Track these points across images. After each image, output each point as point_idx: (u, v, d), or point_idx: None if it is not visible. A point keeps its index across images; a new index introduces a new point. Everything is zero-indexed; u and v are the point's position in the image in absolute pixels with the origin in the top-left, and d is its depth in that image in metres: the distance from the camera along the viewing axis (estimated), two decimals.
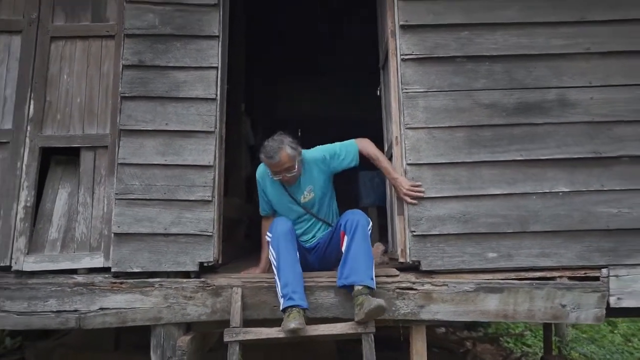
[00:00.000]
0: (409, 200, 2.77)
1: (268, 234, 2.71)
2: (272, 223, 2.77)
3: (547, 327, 5.28)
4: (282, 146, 2.66)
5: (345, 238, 2.61)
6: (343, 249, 2.61)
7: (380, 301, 2.39)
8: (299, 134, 8.45)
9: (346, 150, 2.85)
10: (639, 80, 2.88)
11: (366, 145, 2.86)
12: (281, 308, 2.49)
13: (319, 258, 2.89)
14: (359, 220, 2.61)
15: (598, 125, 2.86)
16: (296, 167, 2.71)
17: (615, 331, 6.52)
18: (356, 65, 6.48)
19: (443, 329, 6.45)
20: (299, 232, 2.87)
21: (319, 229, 2.92)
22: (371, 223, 2.70)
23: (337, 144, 2.89)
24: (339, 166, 2.85)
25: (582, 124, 2.86)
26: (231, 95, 3.44)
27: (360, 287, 2.46)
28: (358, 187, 5.28)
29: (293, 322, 2.36)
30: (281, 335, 2.42)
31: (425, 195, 2.78)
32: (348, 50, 6.84)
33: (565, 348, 5.29)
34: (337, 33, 6.74)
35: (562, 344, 5.27)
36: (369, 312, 2.35)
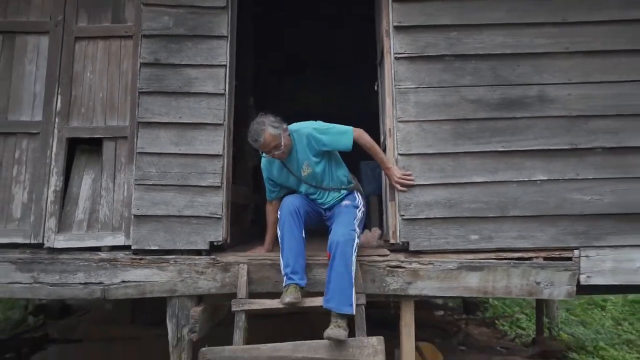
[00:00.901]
0: (399, 187, 3.05)
1: (278, 212, 2.93)
2: (282, 201, 2.97)
3: (539, 310, 5.57)
4: (264, 127, 2.80)
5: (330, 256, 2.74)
6: (329, 261, 2.74)
7: (339, 335, 2.57)
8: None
9: (340, 133, 2.97)
10: (615, 78, 3.12)
11: (362, 134, 3.02)
12: (283, 285, 2.79)
13: (334, 214, 3.04)
14: (338, 242, 2.70)
15: (575, 119, 3.11)
16: (282, 143, 2.83)
17: (607, 315, 6.78)
18: (356, 62, 6.72)
19: (442, 312, 6.77)
20: (314, 197, 3.04)
21: (330, 195, 3.04)
22: (357, 239, 2.81)
23: (336, 125, 3.01)
24: (329, 146, 2.95)
25: (560, 118, 3.11)
26: (240, 91, 3.72)
27: (335, 313, 2.66)
28: (360, 177, 5.56)
29: (289, 296, 2.68)
30: (280, 306, 2.72)
31: (414, 183, 3.06)
32: (348, 47, 7.08)
33: (555, 329, 5.56)
34: (337, 31, 6.96)
35: (552, 325, 5.54)
36: (328, 336, 2.57)
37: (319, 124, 3.01)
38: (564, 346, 5.06)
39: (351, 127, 3.00)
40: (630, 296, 7.46)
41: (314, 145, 2.93)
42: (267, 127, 2.80)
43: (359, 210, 3.02)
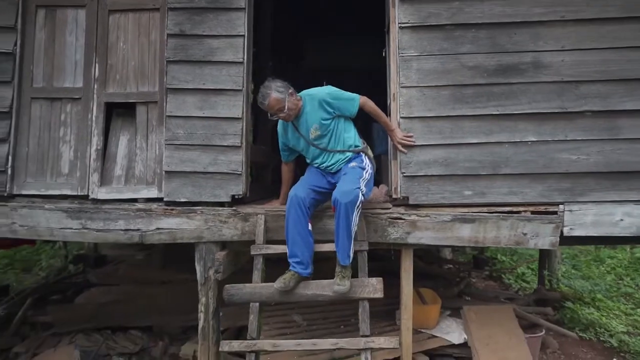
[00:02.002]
0: (401, 148, 3.37)
1: (286, 204, 3.11)
2: (289, 194, 3.12)
3: (541, 264, 5.91)
4: (269, 92, 3.05)
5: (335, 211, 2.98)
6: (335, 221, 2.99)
7: (343, 288, 2.95)
8: (325, 84, 9.00)
9: (348, 99, 3.20)
10: (606, 45, 3.32)
11: (367, 102, 3.29)
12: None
13: (340, 177, 3.22)
14: (340, 203, 2.91)
15: (566, 84, 3.34)
16: (286, 106, 3.06)
17: (611, 271, 7.08)
18: (372, 24, 6.87)
19: (450, 266, 7.16)
20: (320, 161, 3.28)
21: (334, 157, 3.25)
22: (360, 196, 2.98)
23: (345, 92, 3.22)
24: (339, 110, 3.19)
25: (552, 83, 3.34)
26: (259, 57, 4.02)
27: (339, 264, 3.02)
28: (372, 137, 5.85)
29: (280, 283, 2.99)
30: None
31: (415, 144, 3.37)
32: (364, 10, 7.20)
33: (554, 282, 5.90)
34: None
35: (552, 278, 5.88)
36: (334, 291, 2.97)
37: (332, 90, 3.22)
38: (561, 296, 5.40)
39: (357, 95, 3.26)
40: (638, 253, 7.72)
41: (325, 108, 3.16)
42: (272, 92, 3.05)
43: (366, 171, 3.17)
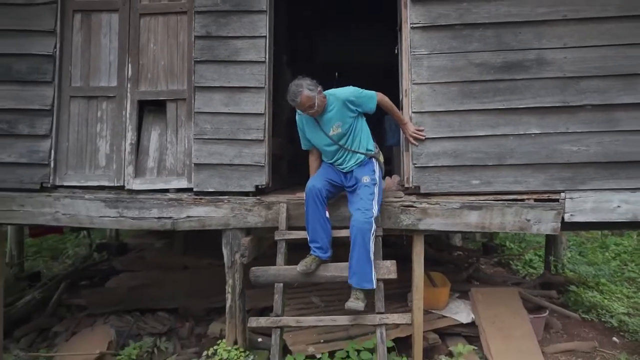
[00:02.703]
0: (412, 141, 3.62)
1: (305, 194, 3.37)
2: (307, 185, 3.38)
3: (547, 250, 6.15)
4: (301, 89, 3.21)
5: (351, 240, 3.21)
6: (351, 244, 3.21)
7: (357, 307, 3.14)
8: (337, 76, 9.25)
9: (369, 97, 3.42)
10: (605, 42, 3.54)
11: (383, 98, 3.51)
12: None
13: (353, 186, 3.45)
14: (357, 230, 3.15)
15: (568, 80, 3.56)
16: (316, 104, 3.24)
17: (616, 257, 7.30)
18: (384, 20, 7.08)
19: (460, 253, 7.41)
20: (336, 161, 3.47)
21: (351, 159, 3.45)
22: (374, 223, 3.21)
23: (365, 90, 3.42)
24: (361, 107, 3.40)
25: (555, 79, 3.57)
26: (276, 54, 4.26)
27: (355, 288, 3.20)
28: (384, 130, 6.11)
29: (302, 266, 3.27)
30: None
31: (425, 137, 3.63)
32: (377, 7, 7.41)
33: (561, 267, 6.15)
34: None
35: (557, 263, 6.12)
36: (348, 308, 3.16)
37: (354, 89, 3.41)
38: (565, 280, 5.65)
39: (375, 92, 3.46)
40: None
41: (349, 107, 3.36)
42: (304, 90, 3.22)
43: (376, 186, 3.35)
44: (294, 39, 7.92)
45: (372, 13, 7.63)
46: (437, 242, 7.11)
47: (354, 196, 3.39)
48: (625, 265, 6.96)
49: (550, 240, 6.23)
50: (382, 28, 7.37)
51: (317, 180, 3.44)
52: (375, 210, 3.29)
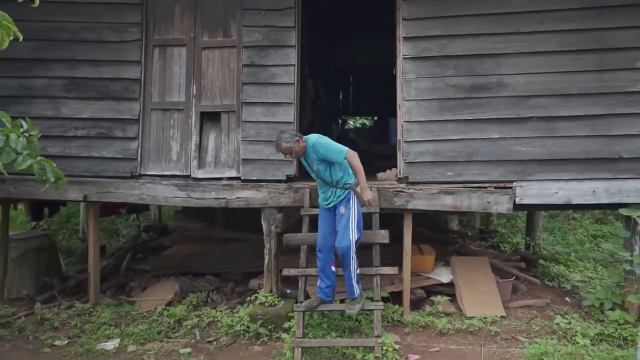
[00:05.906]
0: (363, 200, 4.21)
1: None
2: (317, 239, 4.34)
3: (527, 233, 7.33)
4: (280, 142, 4.08)
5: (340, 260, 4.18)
6: (341, 266, 4.22)
7: (352, 313, 4.23)
8: (351, 80, 10.51)
9: (336, 152, 4.07)
10: (549, 70, 4.73)
11: (353, 157, 4.09)
12: None
13: (335, 210, 4.30)
14: (342, 253, 4.10)
15: (521, 98, 4.77)
16: (293, 151, 4.05)
17: (591, 241, 8.44)
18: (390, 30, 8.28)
19: (456, 235, 8.58)
20: (324, 193, 4.29)
21: (333, 194, 4.22)
22: (353, 245, 4.09)
23: (336, 144, 4.13)
24: (326, 158, 4.09)
25: (511, 97, 4.78)
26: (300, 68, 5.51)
27: (349, 299, 4.32)
28: (388, 130, 7.37)
29: (307, 302, 4.31)
30: None
31: (412, 140, 4.88)
32: (387, 22, 8.60)
33: (537, 247, 7.32)
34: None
35: (531, 242, 7.30)
36: (347, 315, 4.39)
37: (323, 140, 4.11)
38: (538, 257, 6.84)
39: (347, 149, 4.09)
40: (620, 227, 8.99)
41: (316, 151, 4.11)
42: (282, 142, 4.08)
43: (351, 210, 4.13)
44: (314, 48, 9.16)
45: (381, 27, 8.85)
46: (435, 226, 8.29)
47: (337, 224, 4.25)
48: (598, 247, 8.07)
49: (530, 224, 7.42)
50: (390, 37, 8.58)
51: (320, 240, 4.33)
52: (353, 231, 4.11)
